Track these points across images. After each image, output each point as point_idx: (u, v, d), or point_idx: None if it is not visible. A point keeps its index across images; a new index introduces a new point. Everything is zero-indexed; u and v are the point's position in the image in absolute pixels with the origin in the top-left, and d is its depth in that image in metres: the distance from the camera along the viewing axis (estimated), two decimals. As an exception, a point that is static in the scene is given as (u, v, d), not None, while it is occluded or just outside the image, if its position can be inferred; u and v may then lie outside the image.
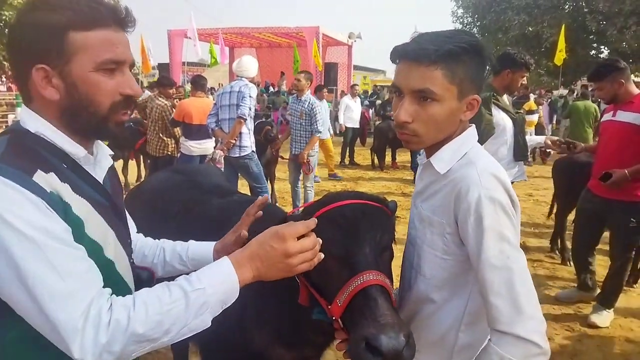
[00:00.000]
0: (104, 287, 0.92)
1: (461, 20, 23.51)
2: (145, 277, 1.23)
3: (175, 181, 2.22)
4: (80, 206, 0.95)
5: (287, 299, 1.47)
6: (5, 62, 19.86)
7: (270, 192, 7.37)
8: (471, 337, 1.23)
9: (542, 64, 23.22)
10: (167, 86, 6.31)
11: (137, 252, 1.27)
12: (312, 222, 1.07)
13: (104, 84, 0.97)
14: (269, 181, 7.52)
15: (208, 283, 0.95)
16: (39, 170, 0.89)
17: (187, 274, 0.99)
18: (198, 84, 6.02)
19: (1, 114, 14.54)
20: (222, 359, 1.74)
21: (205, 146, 5.87)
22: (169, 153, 6.14)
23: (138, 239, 1.33)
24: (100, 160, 1.09)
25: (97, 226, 0.98)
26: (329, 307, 1.18)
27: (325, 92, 8.63)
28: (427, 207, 1.26)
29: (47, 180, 0.90)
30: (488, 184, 1.12)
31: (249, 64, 5.16)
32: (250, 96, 4.95)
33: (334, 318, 1.19)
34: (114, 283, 0.98)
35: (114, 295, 0.91)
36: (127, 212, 1.24)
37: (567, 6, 17.12)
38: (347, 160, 11.05)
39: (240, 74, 5.09)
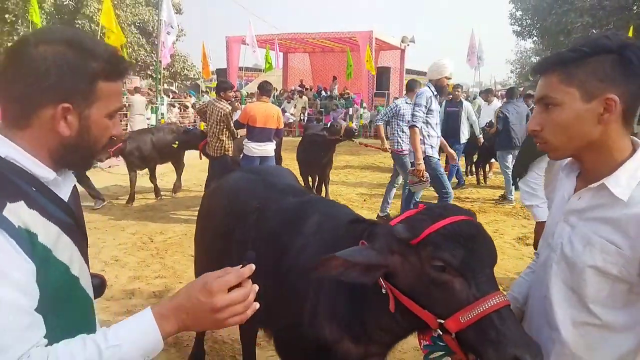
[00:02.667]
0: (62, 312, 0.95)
1: (520, 22, 22.77)
2: (96, 284, 1.22)
3: (251, 180, 2.38)
4: (48, 232, 0.97)
5: (361, 298, 1.57)
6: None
7: (325, 194, 7.53)
8: None
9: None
10: (227, 89, 6.60)
11: None
12: (248, 269, 1.02)
13: (109, 129, 1.08)
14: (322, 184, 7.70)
15: (125, 338, 0.92)
16: (7, 203, 0.90)
17: None
18: (264, 89, 6.28)
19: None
20: (293, 348, 1.86)
21: (265, 148, 6.13)
22: (227, 153, 6.44)
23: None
24: (65, 180, 1.10)
25: (64, 247, 1.01)
26: (439, 320, 1.28)
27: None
28: (594, 229, 1.19)
29: (15, 212, 0.90)
30: None
31: (434, 66, 5.04)
32: (416, 104, 5.05)
33: (439, 331, 1.29)
34: (79, 298, 1.07)
35: (33, 347, 0.88)
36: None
37: (635, 7, 16.18)
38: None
39: (428, 78, 5.12)
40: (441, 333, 1.30)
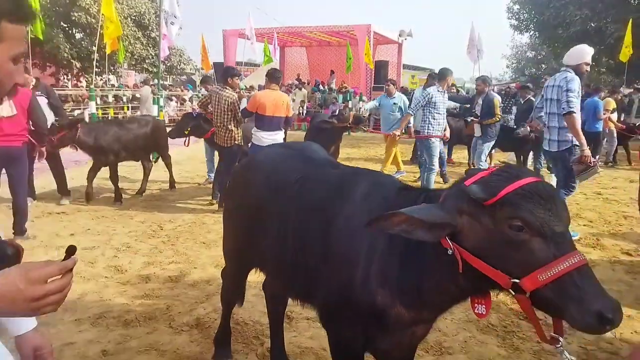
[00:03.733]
0: None
1: (517, 16, 22.82)
2: (12, 253, 1.18)
3: (287, 154, 2.35)
4: None
5: (417, 261, 1.55)
6: (73, 61, 21.06)
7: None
8: None
9: (602, 63, 22.20)
10: (234, 76, 6.49)
11: None
12: (72, 262, 1.01)
13: (13, 74, 1.06)
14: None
15: None
16: None
17: None
18: (273, 76, 6.18)
19: (70, 108, 15.40)
20: (341, 318, 1.82)
21: (275, 137, 6.05)
22: (237, 143, 6.33)
23: None
24: None
25: None
26: (513, 280, 1.29)
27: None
28: None
29: None
30: None
31: (575, 51, 4.93)
32: (568, 89, 4.72)
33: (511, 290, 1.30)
34: None
35: None
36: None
37: (633, 0, 16.28)
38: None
39: (566, 63, 4.96)
40: (513, 293, 1.31)
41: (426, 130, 6.67)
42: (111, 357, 2.91)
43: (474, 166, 8.03)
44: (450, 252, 1.39)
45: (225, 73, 6.56)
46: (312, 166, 2.17)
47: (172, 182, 7.63)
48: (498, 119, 7.50)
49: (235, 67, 16.62)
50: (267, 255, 2.18)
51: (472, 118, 7.95)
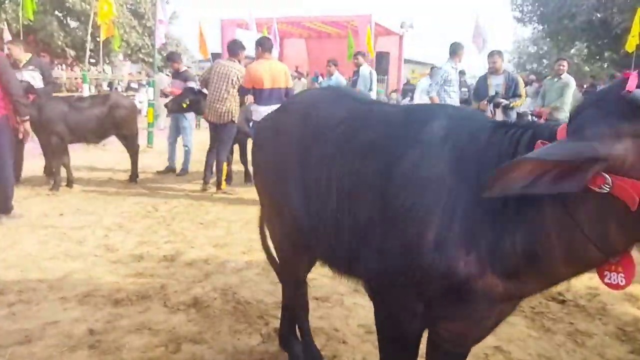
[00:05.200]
0: None
1: (520, 8, 22.53)
2: None
3: (330, 95, 2.00)
4: None
5: (524, 214, 1.18)
6: (67, 49, 20.67)
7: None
8: None
9: (604, 57, 21.98)
10: (243, 49, 6.06)
11: None
12: None
13: None
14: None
15: None
16: None
17: None
18: (264, 45, 5.70)
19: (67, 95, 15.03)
20: (400, 289, 1.42)
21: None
22: (233, 120, 5.90)
23: None
24: None
25: None
26: None
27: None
28: None
29: None
30: None
31: None
32: None
33: None
34: None
35: None
36: None
37: (640, -10, 16.02)
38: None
39: None
40: None
41: None
42: (98, 336, 2.60)
43: None
44: (607, 189, 1.02)
45: (235, 46, 6.06)
46: (361, 104, 1.81)
47: (134, 174, 6.58)
48: (524, 101, 6.64)
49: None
50: (307, 216, 1.79)
51: (501, 99, 6.24)
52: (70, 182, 6.02)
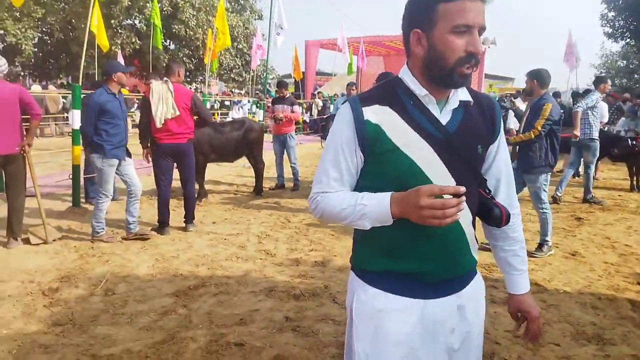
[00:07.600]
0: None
1: (612, 24, 21.77)
2: (498, 214, 1.36)
3: None
4: (399, 129, 1.27)
5: None
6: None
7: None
8: None
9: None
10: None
11: None
12: (453, 189, 1.15)
13: (454, 44, 1.21)
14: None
15: (371, 204, 1.26)
16: (375, 104, 1.29)
17: None
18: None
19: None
20: None
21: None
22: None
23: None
24: (449, 103, 1.32)
25: (417, 148, 1.26)
26: None
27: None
28: None
29: (373, 110, 1.28)
30: None
31: None
32: None
33: None
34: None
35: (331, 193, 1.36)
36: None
37: None
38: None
39: None
40: None
41: (586, 134, 7.28)
42: (296, 323, 3.31)
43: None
44: None
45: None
46: None
47: (259, 188, 7.52)
48: (536, 134, 4.75)
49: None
50: None
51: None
52: (206, 195, 7.03)
